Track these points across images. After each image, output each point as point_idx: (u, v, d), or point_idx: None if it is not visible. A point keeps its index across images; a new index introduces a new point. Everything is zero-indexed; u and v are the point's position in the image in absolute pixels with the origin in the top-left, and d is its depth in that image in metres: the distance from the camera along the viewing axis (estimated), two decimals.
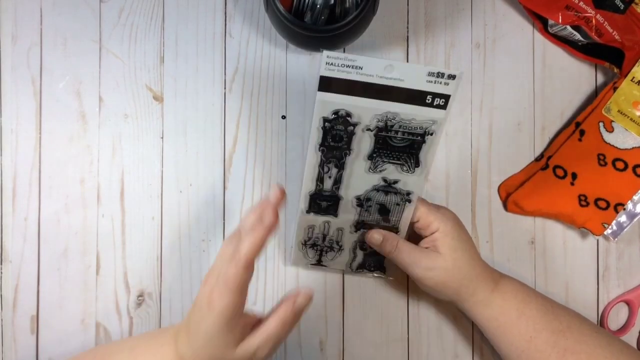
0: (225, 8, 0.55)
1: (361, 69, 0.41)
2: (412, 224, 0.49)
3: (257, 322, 0.42)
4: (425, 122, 0.43)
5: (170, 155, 0.54)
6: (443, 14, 0.56)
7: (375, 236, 0.48)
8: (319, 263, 0.52)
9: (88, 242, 0.53)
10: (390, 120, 0.43)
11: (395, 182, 0.46)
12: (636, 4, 0.52)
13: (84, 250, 0.53)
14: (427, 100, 0.42)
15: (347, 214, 0.48)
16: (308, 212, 0.48)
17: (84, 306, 0.53)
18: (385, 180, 0.46)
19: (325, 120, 0.43)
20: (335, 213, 0.48)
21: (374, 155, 0.45)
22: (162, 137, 0.54)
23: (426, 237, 0.47)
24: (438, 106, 0.42)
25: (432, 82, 0.42)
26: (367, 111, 0.43)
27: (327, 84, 0.41)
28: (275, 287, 0.55)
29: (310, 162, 0.45)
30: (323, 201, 0.47)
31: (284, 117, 0.55)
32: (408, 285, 0.55)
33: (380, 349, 0.55)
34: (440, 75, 0.41)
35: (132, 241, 0.54)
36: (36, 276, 0.53)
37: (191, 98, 0.54)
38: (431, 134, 0.44)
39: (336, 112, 0.43)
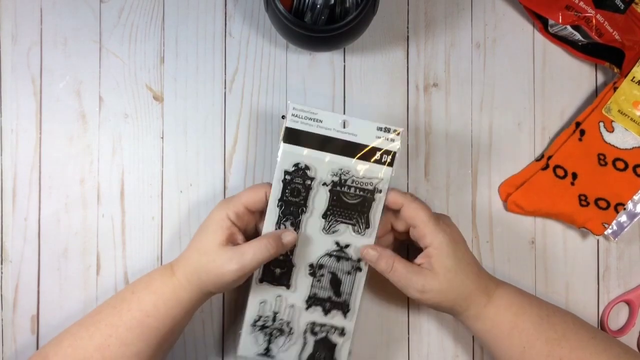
0: (225, 8, 0.55)
1: (321, 122, 0.46)
2: (409, 230, 0.48)
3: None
4: (374, 179, 0.46)
5: (170, 155, 0.54)
6: (443, 14, 0.56)
7: (371, 252, 0.47)
8: (267, 353, 0.49)
9: (88, 242, 0.53)
10: (344, 175, 0.46)
11: (347, 246, 0.48)
12: (636, 3, 0.52)
13: (84, 250, 0.53)
14: (376, 157, 0.46)
15: (300, 286, 0.48)
16: (261, 281, 0.48)
17: (84, 306, 0.53)
18: (337, 244, 0.48)
19: (286, 172, 0.46)
20: (287, 283, 0.48)
21: (328, 213, 0.47)
22: (162, 137, 0.54)
23: (421, 249, 0.47)
24: (386, 163, 0.46)
25: (380, 137, 0.46)
26: (323, 165, 0.46)
27: (292, 136, 0.46)
28: None
29: (269, 218, 0.47)
30: (277, 268, 0.48)
31: (284, 117, 0.54)
32: None
33: (380, 349, 0.55)
34: (386, 130, 0.46)
35: (132, 241, 0.54)
36: (36, 276, 0.53)
37: (191, 98, 0.54)
38: (380, 192, 0.46)
39: (296, 165, 0.46)
